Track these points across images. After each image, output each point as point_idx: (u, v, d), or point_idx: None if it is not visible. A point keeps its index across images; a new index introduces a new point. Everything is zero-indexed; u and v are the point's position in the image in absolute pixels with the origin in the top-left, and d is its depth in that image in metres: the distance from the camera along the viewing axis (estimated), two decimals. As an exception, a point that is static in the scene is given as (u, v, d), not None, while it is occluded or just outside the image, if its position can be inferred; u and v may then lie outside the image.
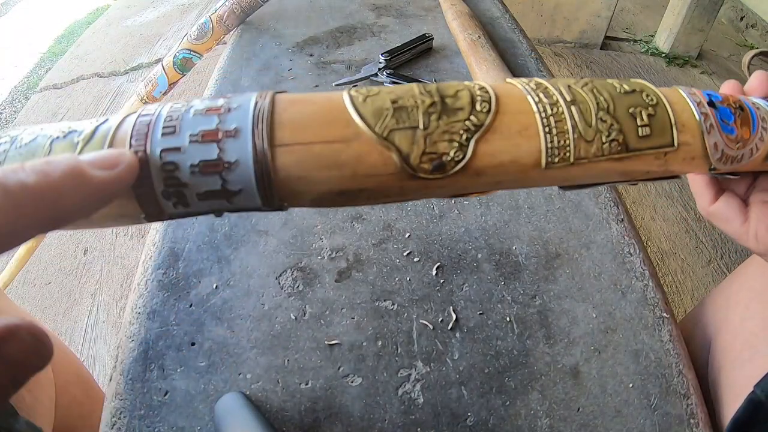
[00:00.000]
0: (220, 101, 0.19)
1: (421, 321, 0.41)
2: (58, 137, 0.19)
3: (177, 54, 0.77)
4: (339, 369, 0.38)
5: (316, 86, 0.66)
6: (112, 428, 0.35)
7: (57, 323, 1.01)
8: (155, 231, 0.47)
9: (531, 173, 0.19)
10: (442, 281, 0.43)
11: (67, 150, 0.19)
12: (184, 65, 0.78)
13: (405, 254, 0.45)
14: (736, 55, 1.89)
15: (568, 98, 0.20)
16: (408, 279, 0.43)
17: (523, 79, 0.21)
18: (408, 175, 0.18)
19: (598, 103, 0.20)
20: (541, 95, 0.20)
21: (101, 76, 1.74)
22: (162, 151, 0.18)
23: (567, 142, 0.19)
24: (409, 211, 0.49)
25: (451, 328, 0.40)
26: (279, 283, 0.43)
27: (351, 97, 0.19)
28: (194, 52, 0.78)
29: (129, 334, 0.39)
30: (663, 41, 1.81)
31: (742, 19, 2.06)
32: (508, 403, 0.37)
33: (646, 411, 0.36)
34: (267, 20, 0.80)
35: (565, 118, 0.19)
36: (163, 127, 0.18)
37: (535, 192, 0.51)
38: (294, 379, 0.37)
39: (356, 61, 0.70)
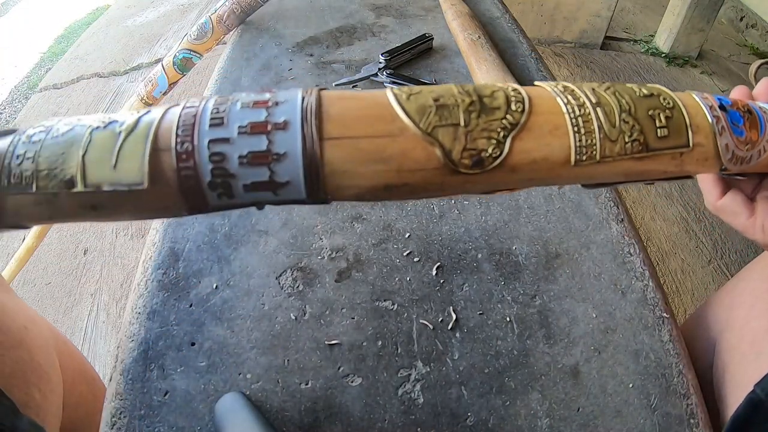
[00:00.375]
0: (267, 95, 0.19)
1: (421, 321, 0.41)
2: (98, 127, 0.19)
3: (177, 54, 0.77)
4: (339, 369, 0.38)
5: (316, 86, 0.66)
6: (112, 428, 0.35)
7: (57, 323, 1.01)
8: (155, 231, 0.47)
9: (560, 170, 0.20)
10: (442, 281, 0.43)
11: (109, 140, 0.19)
12: (184, 65, 0.78)
13: (405, 254, 0.45)
14: (736, 55, 1.89)
15: (594, 100, 0.21)
16: (408, 279, 0.43)
17: (551, 83, 0.22)
18: (450, 170, 0.19)
19: (620, 106, 0.21)
20: (569, 97, 0.21)
21: (101, 76, 1.73)
22: (210, 141, 0.18)
23: (593, 141, 0.20)
24: (409, 211, 0.49)
25: (451, 328, 0.40)
26: (279, 283, 0.43)
27: (395, 95, 0.20)
28: (194, 52, 0.78)
29: (129, 334, 0.39)
30: (663, 41, 1.81)
31: (742, 19, 2.06)
32: (508, 403, 0.37)
33: (646, 411, 0.36)
34: (267, 20, 0.80)
35: (591, 119, 0.20)
36: (211, 119, 0.19)
37: (535, 192, 0.51)
38: (294, 379, 0.37)
39: (356, 61, 0.70)
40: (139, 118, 0.19)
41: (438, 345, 0.39)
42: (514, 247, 0.46)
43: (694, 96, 0.23)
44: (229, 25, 0.77)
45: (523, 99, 0.20)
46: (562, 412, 0.36)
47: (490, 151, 0.19)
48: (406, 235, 0.47)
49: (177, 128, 0.19)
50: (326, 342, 0.39)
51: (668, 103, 0.22)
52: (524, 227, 0.48)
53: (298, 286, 0.43)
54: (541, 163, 0.20)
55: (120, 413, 0.35)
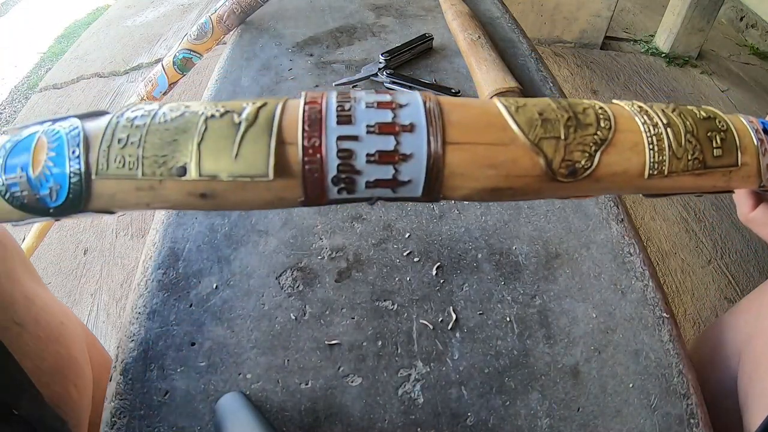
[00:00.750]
0: (388, 97, 0.21)
1: (421, 321, 0.41)
2: (213, 115, 0.20)
3: (177, 54, 0.77)
4: (339, 369, 0.38)
5: (317, 86, 0.66)
6: (112, 428, 0.35)
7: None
8: (155, 231, 0.47)
9: (635, 182, 0.23)
10: (442, 281, 0.43)
11: (227, 129, 0.19)
12: (184, 65, 0.78)
13: (405, 254, 0.45)
14: (736, 55, 1.89)
15: (665, 121, 0.23)
16: (408, 279, 0.43)
17: (627, 102, 0.24)
18: (549, 178, 0.21)
19: (685, 127, 0.23)
20: (645, 117, 0.23)
21: (101, 76, 1.74)
22: (338, 138, 0.19)
23: (664, 158, 0.22)
24: (409, 211, 0.49)
25: (451, 328, 0.40)
26: (279, 283, 0.43)
27: (505, 106, 0.21)
28: (194, 52, 0.77)
29: (129, 334, 0.39)
30: (663, 41, 1.81)
31: (742, 19, 2.06)
32: (508, 403, 0.37)
33: (646, 411, 0.36)
34: (267, 20, 0.80)
35: (663, 137, 0.23)
36: (338, 116, 0.19)
37: (535, 192, 0.51)
38: (294, 379, 0.37)
39: (356, 61, 0.70)
40: (258, 109, 0.20)
41: (438, 345, 0.39)
42: (514, 247, 0.46)
43: (742, 119, 0.26)
44: (229, 25, 0.77)
45: (609, 117, 0.22)
46: (562, 412, 0.36)
47: (583, 162, 0.21)
48: (406, 235, 0.47)
49: (303, 123, 0.19)
50: (326, 342, 0.39)
51: (723, 126, 0.24)
52: (524, 227, 0.48)
53: (298, 286, 0.43)
54: (621, 176, 0.22)
55: (120, 413, 0.35)
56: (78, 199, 0.20)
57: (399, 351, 0.39)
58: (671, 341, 0.39)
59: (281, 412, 0.36)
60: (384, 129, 0.19)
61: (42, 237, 0.86)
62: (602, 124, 0.22)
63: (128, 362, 0.38)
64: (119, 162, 0.20)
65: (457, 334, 0.40)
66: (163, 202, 0.20)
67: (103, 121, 0.21)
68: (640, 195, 0.25)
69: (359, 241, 0.46)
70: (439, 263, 0.45)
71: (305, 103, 0.20)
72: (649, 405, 0.36)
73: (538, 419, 0.36)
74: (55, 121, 0.21)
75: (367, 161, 0.19)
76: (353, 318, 0.41)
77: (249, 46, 0.74)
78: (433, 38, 0.71)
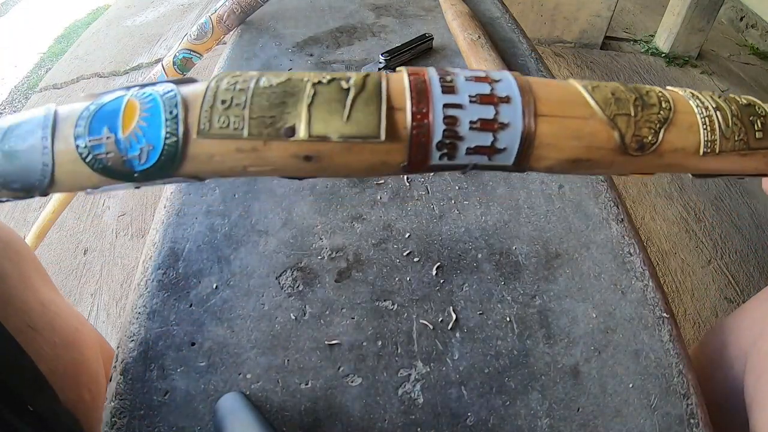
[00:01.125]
0: (482, 72, 0.22)
1: (421, 321, 0.41)
2: (320, 81, 0.21)
3: (177, 54, 0.77)
4: (339, 369, 0.38)
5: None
6: (112, 428, 0.35)
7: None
8: (155, 231, 0.47)
9: (691, 159, 0.25)
10: (442, 281, 0.43)
11: (336, 94, 0.20)
12: (184, 65, 0.78)
13: (405, 254, 0.45)
14: (736, 55, 1.89)
15: (714, 105, 0.25)
16: (408, 279, 0.43)
17: (679, 88, 0.26)
18: (622, 151, 0.23)
19: (731, 110, 0.25)
20: (698, 101, 0.25)
21: (101, 76, 1.74)
22: (444, 105, 0.21)
23: (715, 137, 0.24)
24: (409, 211, 0.49)
25: (451, 328, 0.40)
26: (279, 283, 0.43)
27: (583, 86, 0.24)
28: (194, 52, 0.77)
29: (129, 334, 0.39)
30: (663, 41, 1.81)
31: (742, 19, 2.06)
32: (508, 403, 0.37)
33: (646, 411, 0.36)
34: (267, 20, 0.80)
35: (714, 119, 0.25)
36: (442, 86, 0.21)
37: (535, 192, 0.51)
38: (294, 379, 0.37)
39: (356, 61, 0.70)
40: (364, 78, 0.21)
41: (438, 345, 0.39)
42: (514, 247, 0.46)
43: None
44: (229, 25, 0.77)
45: (668, 99, 0.24)
46: (562, 412, 0.36)
47: (649, 138, 0.23)
48: (406, 235, 0.47)
49: (411, 91, 0.21)
50: (326, 342, 0.39)
51: (762, 112, 0.26)
52: (524, 227, 0.48)
53: (298, 286, 0.43)
54: (680, 152, 0.24)
55: (120, 413, 0.35)
56: (171, 160, 0.21)
57: (399, 351, 0.39)
58: (671, 341, 0.39)
59: (281, 412, 0.36)
60: (484, 99, 0.21)
61: (42, 237, 0.86)
62: (663, 105, 0.24)
63: (128, 362, 0.38)
64: (223, 122, 0.20)
65: (457, 334, 0.40)
66: (263, 165, 0.21)
67: (199, 85, 0.21)
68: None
69: (359, 241, 0.46)
70: (439, 263, 0.45)
71: (409, 74, 0.22)
72: (649, 405, 0.36)
73: (538, 419, 0.36)
74: (143, 86, 0.22)
75: (470, 128, 0.21)
76: (353, 318, 0.41)
77: (249, 46, 0.74)
78: (433, 38, 0.71)
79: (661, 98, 0.24)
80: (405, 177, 0.52)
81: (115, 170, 0.21)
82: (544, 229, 0.47)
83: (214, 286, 0.42)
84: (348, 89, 0.21)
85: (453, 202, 0.50)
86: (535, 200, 0.50)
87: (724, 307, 1.06)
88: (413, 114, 0.21)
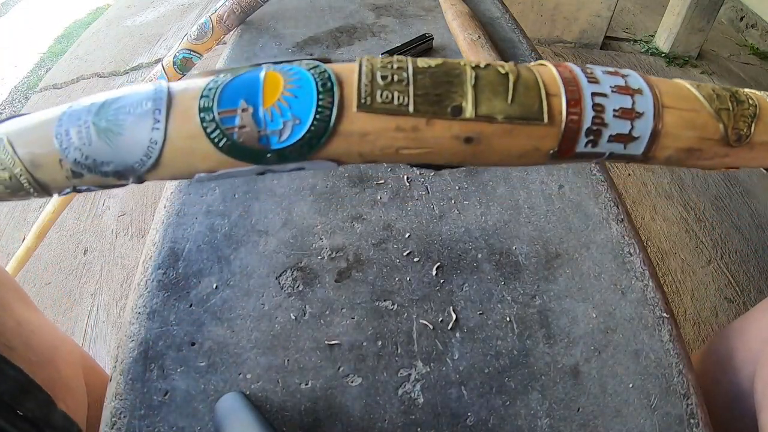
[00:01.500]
0: (611, 68, 0.24)
1: (421, 321, 0.41)
2: (478, 66, 0.22)
3: (177, 54, 0.77)
4: (339, 369, 0.38)
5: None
6: (112, 428, 0.35)
7: (57, 323, 1.01)
8: (155, 231, 0.47)
9: None
10: (442, 281, 0.43)
11: (497, 77, 0.21)
12: (184, 65, 0.78)
13: (405, 254, 0.45)
14: (736, 55, 1.89)
15: None
16: (408, 279, 0.43)
17: (749, 90, 0.28)
18: (724, 142, 0.24)
19: None
20: None
21: (101, 76, 1.74)
22: (592, 94, 0.22)
23: None
24: (409, 211, 0.49)
25: (451, 328, 0.40)
26: (279, 283, 0.43)
27: (689, 83, 0.25)
28: (194, 52, 0.77)
29: (129, 334, 0.39)
30: (663, 41, 1.81)
31: (742, 19, 2.06)
32: (508, 403, 0.37)
33: (646, 411, 0.36)
34: (267, 20, 0.80)
35: None
36: (587, 77, 0.22)
37: (535, 192, 0.51)
38: (294, 379, 0.37)
39: (356, 61, 0.70)
40: (516, 65, 0.22)
41: (438, 345, 0.39)
42: (514, 247, 0.46)
43: None
44: (229, 25, 0.77)
45: (752, 97, 0.26)
46: (562, 412, 0.36)
47: (744, 130, 0.25)
48: (406, 235, 0.47)
49: (562, 80, 0.22)
50: (326, 342, 0.39)
51: None
52: (524, 227, 0.48)
53: (298, 286, 0.43)
54: (766, 145, 0.26)
55: (120, 413, 0.35)
56: (318, 137, 0.19)
57: (399, 351, 0.39)
58: (671, 341, 0.39)
59: (281, 412, 0.36)
60: (622, 90, 0.22)
61: (42, 237, 0.86)
62: (750, 102, 0.26)
63: (128, 362, 0.38)
64: (386, 97, 0.20)
65: (457, 334, 0.40)
66: (418, 147, 0.21)
67: (351, 64, 0.21)
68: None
69: (359, 241, 0.46)
70: (439, 263, 0.45)
71: (555, 67, 0.23)
72: (649, 405, 0.36)
73: (538, 419, 0.36)
74: (279, 62, 0.21)
75: (613, 115, 0.22)
76: (353, 318, 0.41)
77: (249, 46, 0.74)
78: (433, 38, 0.71)
79: (747, 96, 0.26)
80: (405, 177, 0.52)
81: (245, 148, 0.19)
82: (544, 229, 0.47)
83: (214, 286, 0.42)
84: (506, 74, 0.21)
85: (453, 202, 0.50)
86: (535, 200, 0.50)
87: (724, 307, 1.06)
88: (568, 100, 0.22)
